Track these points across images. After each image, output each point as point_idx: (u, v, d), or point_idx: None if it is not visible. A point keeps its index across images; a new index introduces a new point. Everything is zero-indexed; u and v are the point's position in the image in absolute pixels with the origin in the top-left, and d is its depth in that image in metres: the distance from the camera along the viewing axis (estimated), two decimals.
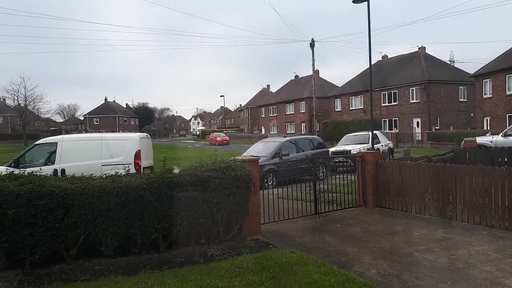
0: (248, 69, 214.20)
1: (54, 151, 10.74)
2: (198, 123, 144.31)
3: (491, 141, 15.87)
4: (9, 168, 9.87)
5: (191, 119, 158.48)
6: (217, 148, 34.15)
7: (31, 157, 11.17)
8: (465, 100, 37.48)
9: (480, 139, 16.25)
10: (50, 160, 10.78)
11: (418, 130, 35.90)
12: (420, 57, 39.88)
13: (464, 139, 16.21)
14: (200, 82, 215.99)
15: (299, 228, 8.13)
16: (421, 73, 37.12)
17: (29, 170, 6.87)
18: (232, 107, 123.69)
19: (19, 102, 55.69)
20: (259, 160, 8.43)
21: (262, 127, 65.20)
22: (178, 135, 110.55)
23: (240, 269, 5.37)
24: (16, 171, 6.69)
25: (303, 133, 48.83)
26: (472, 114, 35.08)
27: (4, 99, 63.17)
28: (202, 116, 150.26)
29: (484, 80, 30.50)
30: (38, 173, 6.34)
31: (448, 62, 49.80)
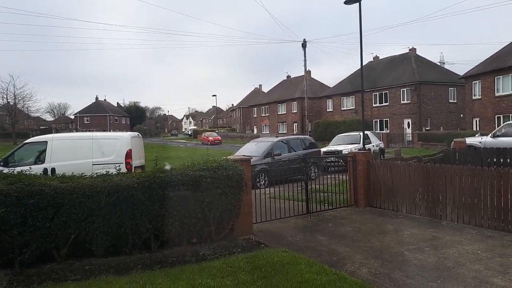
0: (240, 69, 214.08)
1: (44, 150, 10.62)
2: (190, 122, 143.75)
3: (481, 142, 16.04)
4: None
5: (182, 119, 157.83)
6: (209, 147, 34.07)
7: (21, 156, 11.03)
8: (455, 101, 37.92)
9: (469, 140, 16.42)
10: (40, 159, 10.66)
11: (408, 131, 36.22)
12: (411, 58, 40.22)
13: (454, 139, 16.38)
14: (192, 81, 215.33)
15: (291, 227, 8.15)
16: (412, 74, 37.45)
17: (18, 169, 6.80)
18: (224, 106, 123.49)
19: (8, 100, 54.93)
20: (251, 159, 8.43)
21: (254, 127, 65.23)
22: (169, 134, 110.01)
23: (232, 269, 5.37)
24: (5, 170, 6.62)
25: (295, 133, 48.96)
26: (462, 115, 35.47)
27: None
28: (194, 115, 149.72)
29: (473, 82, 30.86)
30: (28, 172, 6.27)
31: (439, 64, 50.31)
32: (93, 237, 5.85)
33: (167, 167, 6.68)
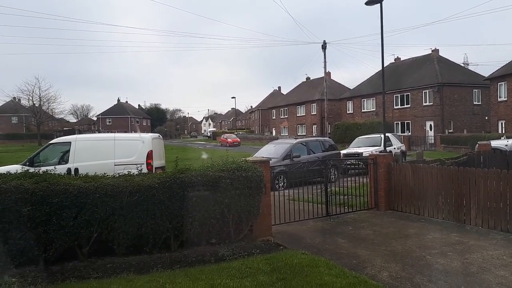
0: (259, 71, 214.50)
1: (68, 151, 10.87)
2: (209, 124, 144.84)
3: (506, 145, 15.62)
4: (24, 166, 10.02)
5: (202, 121, 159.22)
6: (228, 149, 34.22)
7: (45, 156, 11.32)
8: (480, 103, 36.99)
9: (494, 143, 16.01)
10: (63, 159, 10.92)
11: (431, 133, 35.53)
12: (433, 59, 39.47)
13: (479, 142, 16.00)
14: (211, 84, 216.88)
15: (310, 230, 8.10)
16: (434, 76, 36.73)
17: (43, 168, 6.98)
18: (243, 108, 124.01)
19: (34, 102, 56.51)
20: (270, 161, 8.42)
21: (273, 128, 65.18)
22: (189, 136, 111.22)
23: (250, 270, 5.37)
24: (31, 170, 6.79)
25: (314, 135, 48.68)
26: (486, 118, 34.59)
27: (19, 99, 64.20)
28: (213, 117, 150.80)
29: (499, 83, 30.07)
30: (53, 172, 6.43)
31: (462, 65, 49.18)
32: (115, 236, 5.95)
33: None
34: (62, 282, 5.15)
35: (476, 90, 36.97)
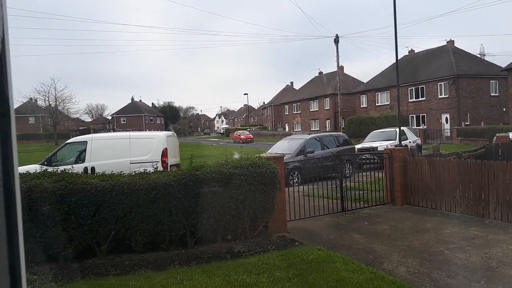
0: (271, 67, 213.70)
1: (84, 150, 11.03)
2: (222, 121, 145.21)
3: None
4: (42, 166, 10.22)
5: (215, 118, 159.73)
6: (241, 145, 34.26)
7: (63, 155, 11.50)
8: (497, 94, 36.23)
9: None
10: (80, 158, 11.08)
11: (447, 126, 34.97)
12: (449, 51, 38.74)
13: (496, 134, 15.71)
14: (223, 80, 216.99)
15: (325, 225, 8.08)
16: (450, 68, 36.08)
17: (61, 168, 7.10)
18: (255, 105, 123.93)
19: (50, 102, 57.52)
20: (284, 157, 8.40)
21: (286, 124, 64.99)
22: (202, 133, 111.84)
23: (267, 266, 5.39)
24: (49, 169, 6.91)
25: (327, 130, 48.39)
26: (504, 109, 33.88)
27: (36, 100, 65.34)
28: (226, 114, 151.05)
29: None
30: (70, 171, 6.54)
31: (478, 56, 48.18)
32: (132, 233, 6.03)
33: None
34: (82, 279, 5.25)
35: (493, 81, 36.20)
